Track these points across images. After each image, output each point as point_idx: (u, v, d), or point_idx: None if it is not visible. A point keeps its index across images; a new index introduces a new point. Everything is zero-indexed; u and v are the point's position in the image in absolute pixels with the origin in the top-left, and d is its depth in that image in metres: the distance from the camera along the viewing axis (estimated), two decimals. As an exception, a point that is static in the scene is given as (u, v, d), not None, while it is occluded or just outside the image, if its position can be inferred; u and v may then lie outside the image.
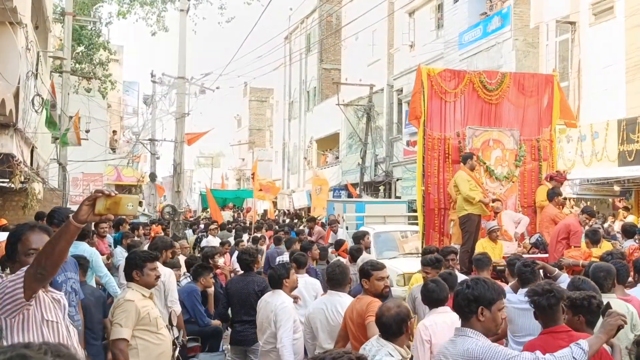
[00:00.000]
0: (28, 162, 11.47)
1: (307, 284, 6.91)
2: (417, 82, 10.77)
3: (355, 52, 31.35)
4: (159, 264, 6.43)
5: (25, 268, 2.94)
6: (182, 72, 17.28)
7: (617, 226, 14.00)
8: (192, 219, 29.25)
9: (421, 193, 10.59)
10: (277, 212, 33.66)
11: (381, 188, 27.78)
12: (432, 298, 4.87)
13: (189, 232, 18.72)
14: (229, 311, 7.15)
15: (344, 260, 8.54)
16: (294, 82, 41.66)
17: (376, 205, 18.92)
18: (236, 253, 12.11)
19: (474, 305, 3.31)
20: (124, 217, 11.58)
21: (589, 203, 15.55)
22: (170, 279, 6.42)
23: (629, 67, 15.05)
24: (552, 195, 10.01)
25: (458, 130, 10.77)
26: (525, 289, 4.47)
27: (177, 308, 6.46)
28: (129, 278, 4.93)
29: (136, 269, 4.90)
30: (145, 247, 9.69)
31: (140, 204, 12.68)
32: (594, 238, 8.25)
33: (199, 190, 50.01)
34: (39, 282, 2.94)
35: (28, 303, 2.93)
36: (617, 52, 15.37)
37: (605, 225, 14.17)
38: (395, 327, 3.83)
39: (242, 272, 7.18)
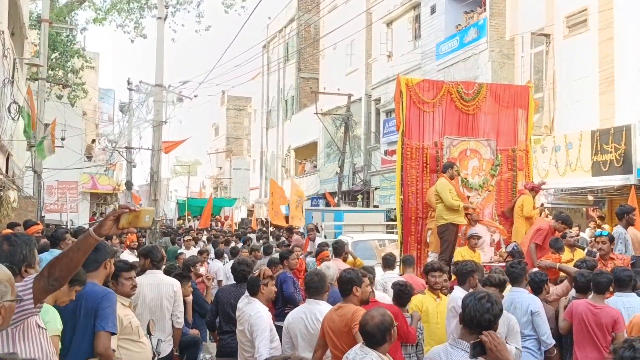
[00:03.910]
0: (3, 170, 11.33)
1: None
2: (396, 91, 10.87)
3: (334, 61, 31.50)
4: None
5: (31, 277, 2.93)
6: (159, 79, 17.15)
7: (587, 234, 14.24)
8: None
9: (400, 202, 10.65)
10: (253, 220, 33.52)
11: (359, 197, 27.86)
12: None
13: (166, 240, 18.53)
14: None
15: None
16: (272, 91, 41.69)
17: (354, 214, 18.97)
18: (214, 261, 12.13)
19: (498, 319, 3.40)
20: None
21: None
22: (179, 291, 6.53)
23: (602, 79, 15.33)
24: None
25: (436, 140, 10.87)
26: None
27: (180, 322, 6.50)
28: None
29: (112, 278, 4.88)
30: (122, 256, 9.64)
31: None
32: (555, 246, 8.39)
33: (175, 198, 49.66)
34: (49, 292, 2.97)
35: (36, 311, 2.93)
36: (591, 64, 15.65)
37: (585, 234, 14.35)
38: (380, 335, 3.84)
39: (236, 282, 7.06)
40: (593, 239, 8.37)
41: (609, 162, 14.15)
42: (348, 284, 5.00)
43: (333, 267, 7.40)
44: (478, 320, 3.33)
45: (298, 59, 36.44)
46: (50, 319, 3.61)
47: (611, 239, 7.66)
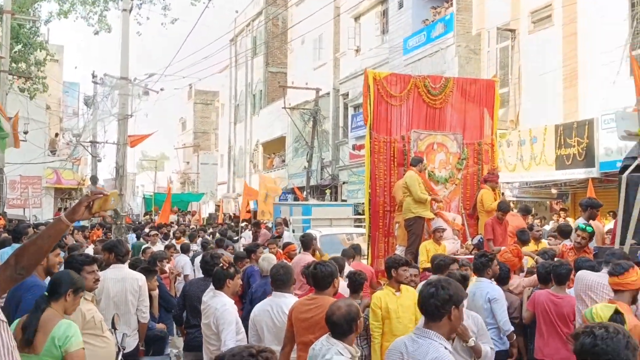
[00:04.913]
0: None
1: None
2: (364, 85, 10.89)
3: (302, 55, 31.45)
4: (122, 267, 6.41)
5: None
6: (124, 72, 16.86)
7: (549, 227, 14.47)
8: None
9: (368, 195, 10.67)
10: (222, 215, 33.34)
11: (327, 191, 27.90)
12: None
13: (131, 236, 18.34)
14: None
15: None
16: (239, 85, 41.45)
17: (322, 208, 18.96)
18: (181, 256, 12.02)
19: (449, 305, 3.30)
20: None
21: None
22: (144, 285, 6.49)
23: (566, 74, 15.58)
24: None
25: (403, 133, 10.91)
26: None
27: (145, 316, 6.46)
28: None
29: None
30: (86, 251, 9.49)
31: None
32: (522, 237, 8.54)
33: (142, 193, 49.13)
34: (15, 282, 2.92)
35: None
36: (555, 59, 15.89)
37: (548, 227, 14.57)
38: (346, 326, 3.84)
39: (204, 275, 7.00)
40: (575, 230, 8.44)
41: (572, 155, 14.41)
42: (329, 277, 4.92)
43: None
44: (425, 307, 3.35)
45: (266, 52, 36.29)
46: (73, 334, 3.85)
47: (591, 236, 7.78)
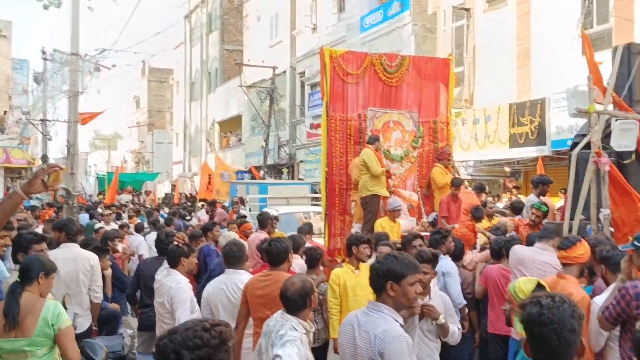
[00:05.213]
0: None
1: None
2: (320, 62, 10.83)
3: (258, 33, 31.12)
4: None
5: None
6: (75, 48, 16.44)
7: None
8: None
9: (325, 174, 10.66)
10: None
11: (284, 170, 27.84)
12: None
13: (84, 216, 17.99)
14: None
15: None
16: (195, 62, 40.84)
17: (279, 186, 18.93)
18: (135, 235, 11.85)
19: (383, 281, 3.31)
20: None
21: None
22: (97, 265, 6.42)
23: (519, 53, 15.79)
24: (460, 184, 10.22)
25: (359, 112, 10.90)
26: None
27: (98, 296, 6.38)
28: (16, 261, 4.73)
29: (21, 251, 4.72)
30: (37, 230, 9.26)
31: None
32: (476, 214, 8.70)
33: (94, 173, 48.20)
34: None
35: None
36: (509, 39, 16.09)
37: (501, 205, 14.83)
38: (300, 301, 3.84)
39: (158, 255, 6.90)
40: (530, 208, 8.62)
41: (525, 134, 14.67)
42: (284, 253, 4.95)
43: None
44: (372, 280, 3.42)
45: (221, 29, 35.77)
46: (61, 311, 4.02)
47: (545, 214, 7.95)
